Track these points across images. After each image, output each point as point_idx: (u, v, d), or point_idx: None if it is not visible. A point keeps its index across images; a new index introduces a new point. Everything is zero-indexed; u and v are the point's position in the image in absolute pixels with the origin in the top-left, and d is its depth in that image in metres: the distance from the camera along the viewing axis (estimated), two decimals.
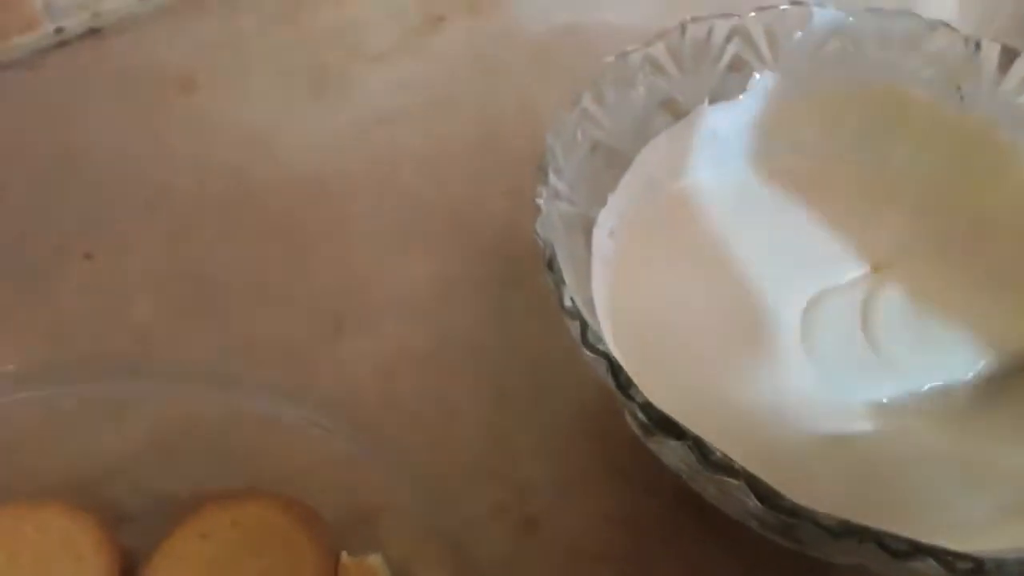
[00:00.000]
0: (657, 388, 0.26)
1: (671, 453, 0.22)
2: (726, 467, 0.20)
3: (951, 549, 0.19)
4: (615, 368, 0.22)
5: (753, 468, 0.23)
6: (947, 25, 0.30)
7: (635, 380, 0.24)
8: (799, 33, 0.31)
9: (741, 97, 0.32)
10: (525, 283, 0.32)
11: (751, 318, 0.30)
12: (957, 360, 0.28)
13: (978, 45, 0.30)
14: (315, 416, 0.27)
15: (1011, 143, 0.30)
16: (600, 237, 0.29)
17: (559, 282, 0.24)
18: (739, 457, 0.24)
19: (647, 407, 0.21)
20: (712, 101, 0.31)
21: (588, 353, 0.22)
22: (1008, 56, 0.30)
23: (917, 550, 0.19)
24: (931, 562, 0.19)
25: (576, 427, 0.29)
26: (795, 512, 0.20)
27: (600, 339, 0.22)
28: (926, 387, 0.27)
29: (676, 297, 0.30)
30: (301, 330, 0.32)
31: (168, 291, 0.33)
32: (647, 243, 0.31)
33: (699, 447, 0.20)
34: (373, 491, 0.26)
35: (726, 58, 0.31)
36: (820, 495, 0.24)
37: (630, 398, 0.21)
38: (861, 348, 0.29)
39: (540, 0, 0.44)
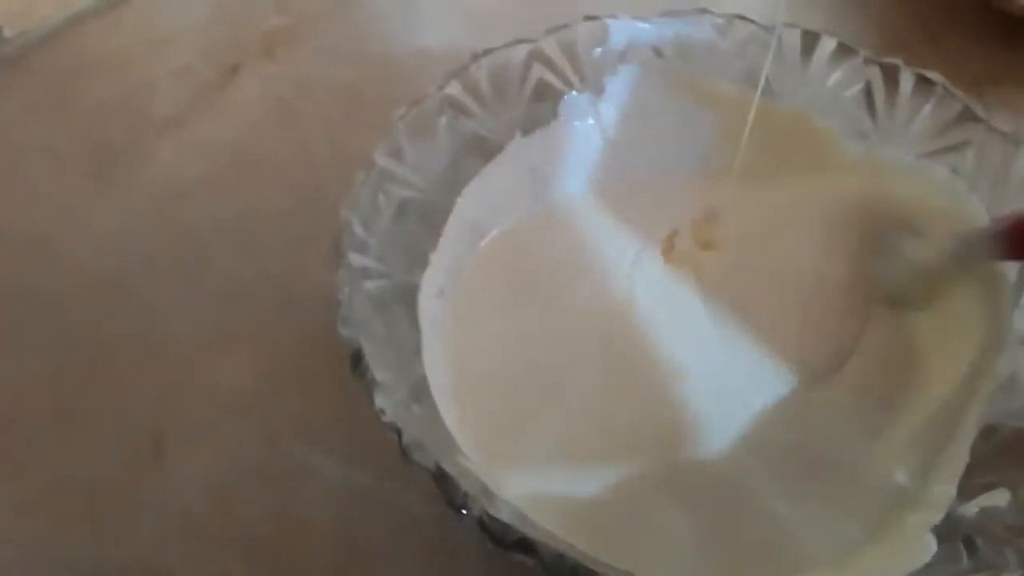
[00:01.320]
0: (507, 458, 0.24)
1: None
2: (578, 572, 0.18)
3: None
4: (442, 483, 0.19)
5: (616, 537, 0.21)
6: (743, 18, 0.29)
7: (480, 457, 0.23)
8: (598, 49, 0.29)
9: (553, 124, 0.30)
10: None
11: (604, 353, 0.28)
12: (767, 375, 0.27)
13: (777, 33, 0.29)
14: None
15: (826, 129, 0.29)
16: (427, 302, 0.27)
17: (371, 385, 0.21)
18: (602, 526, 0.22)
19: (483, 523, 0.19)
20: (525, 133, 0.29)
21: (413, 465, 0.20)
22: (809, 40, 0.29)
23: None
24: None
25: (434, 516, 0.27)
26: None
27: (421, 448, 0.20)
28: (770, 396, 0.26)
29: (522, 345, 0.28)
30: (114, 460, 0.28)
31: None
32: (482, 293, 0.29)
33: (544, 561, 0.18)
34: None
35: (529, 85, 0.29)
36: (687, 552, 0.22)
37: (465, 514, 0.19)
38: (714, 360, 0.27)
39: (340, 36, 0.41)
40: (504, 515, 0.20)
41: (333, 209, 0.33)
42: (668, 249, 0.30)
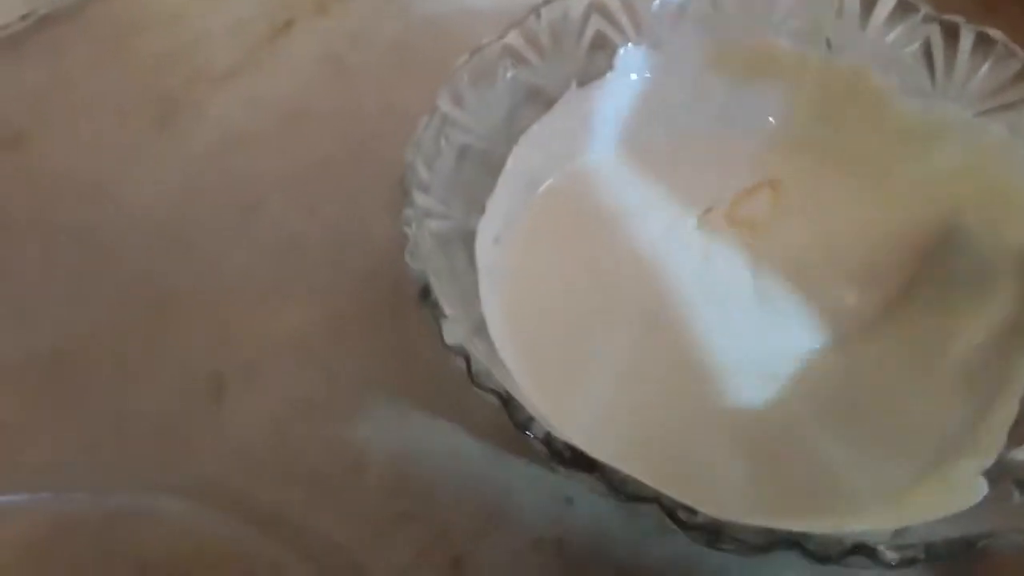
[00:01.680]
0: (563, 401, 0.25)
1: (583, 482, 0.21)
2: (638, 496, 0.19)
3: (877, 546, 0.18)
4: (509, 406, 0.20)
5: (671, 473, 0.22)
6: None
7: (536, 398, 0.23)
8: (657, 1, 0.29)
9: (609, 76, 0.30)
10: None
11: (653, 305, 0.28)
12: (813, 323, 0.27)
13: None
14: (204, 501, 0.24)
15: (882, 87, 0.29)
16: (484, 248, 0.27)
17: (439, 316, 0.22)
18: (657, 463, 0.23)
19: (549, 442, 0.20)
20: (580, 84, 0.30)
21: (479, 391, 0.21)
22: None
23: (845, 552, 0.18)
24: (861, 559, 0.18)
25: (486, 454, 0.27)
26: (715, 529, 0.18)
27: (489, 375, 0.21)
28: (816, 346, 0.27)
29: (574, 294, 0.29)
30: (176, 401, 0.29)
31: (19, 381, 0.29)
32: (536, 243, 0.29)
33: (607, 479, 0.19)
34: (282, 565, 0.24)
35: (587, 37, 0.30)
36: (739, 491, 0.23)
37: (529, 435, 0.20)
38: (758, 316, 0.28)
39: None
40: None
41: (384, 161, 0.34)
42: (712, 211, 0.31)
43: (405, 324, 0.30)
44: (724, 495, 0.23)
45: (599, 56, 0.30)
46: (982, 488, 0.22)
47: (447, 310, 0.22)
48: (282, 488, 0.27)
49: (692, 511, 0.19)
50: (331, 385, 0.29)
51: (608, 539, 0.26)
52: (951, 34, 0.29)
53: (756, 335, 0.28)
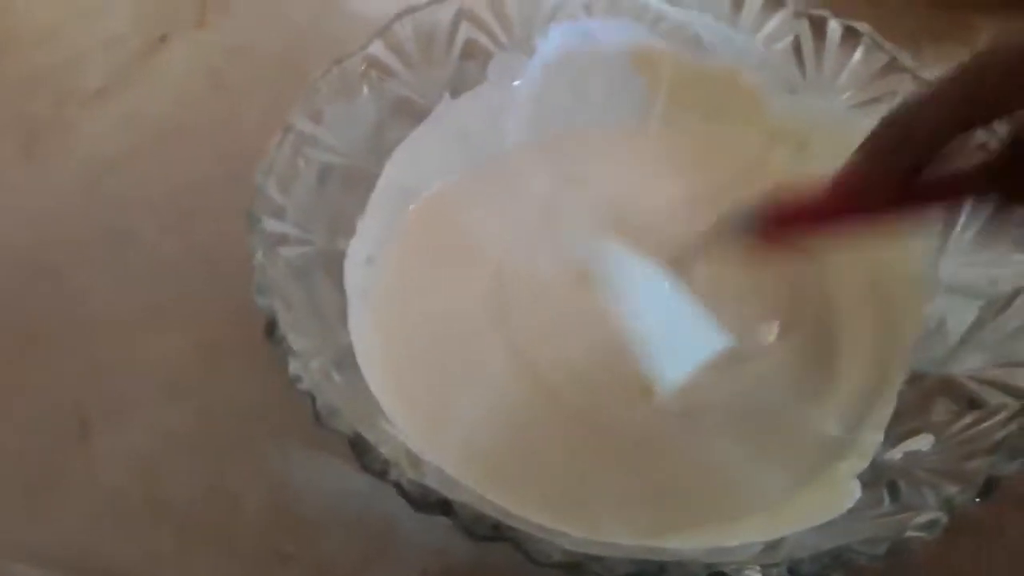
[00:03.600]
0: (435, 425, 0.24)
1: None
2: (493, 537, 0.18)
3: (741, 570, 0.17)
4: (356, 448, 0.19)
5: (545, 495, 0.21)
6: None
7: (406, 423, 0.22)
8: (528, 7, 0.29)
9: (483, 85, 0.29)
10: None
11: (530, 322, 0.28)
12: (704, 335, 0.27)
13: None
14: (64, 560, 0.23)
15: (754, 85, 0.29)
16: (354, 269, 0.26)
17: (287, 352, 0.20)
18: (532, 486, 0.22)
19: (401, 487, 0.19)
20: (454, 95, 0.29)
21: (328, 431, 0.20)
22: None
23: None
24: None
25: (369, 486, 0.26)
26: (575, 564, 0.18)
27: (336, 414, 0.20)
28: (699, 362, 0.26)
29: (449, 313, 0.28)
30: (39, 441, 0.27)
31: None
32: (412, 260, 0.29)
33: (460, 521, 0.18)
34: None
35: (458, 45, 0.29)
36: (619, 509, 0.22)
37: (381, 478, 0.19)
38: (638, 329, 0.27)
39: (271, 3, 0.40)
40: (429, 479, 0.20)
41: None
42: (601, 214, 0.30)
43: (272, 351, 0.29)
44: (601, 514, 0.23)
45: (471, 65, 0.29)
46: (855, 491, 0.22)
47: (297, 345, 0.21)
48: (152, 539, 0.25)
49: (549, 550, 0.18)
50: (205, 420, 0.28)
51: (495, 568, 0.25)
52: (819, 29, 0.28)
53: (648, 341, 0.27)
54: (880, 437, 0.24)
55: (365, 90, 0.27)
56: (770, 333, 0.27)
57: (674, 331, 0.28)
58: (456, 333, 0.27)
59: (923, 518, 0.19)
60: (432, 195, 0.30)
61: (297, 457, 0.27)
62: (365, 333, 0.25)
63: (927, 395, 0.24)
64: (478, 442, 0.25)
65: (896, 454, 0.23)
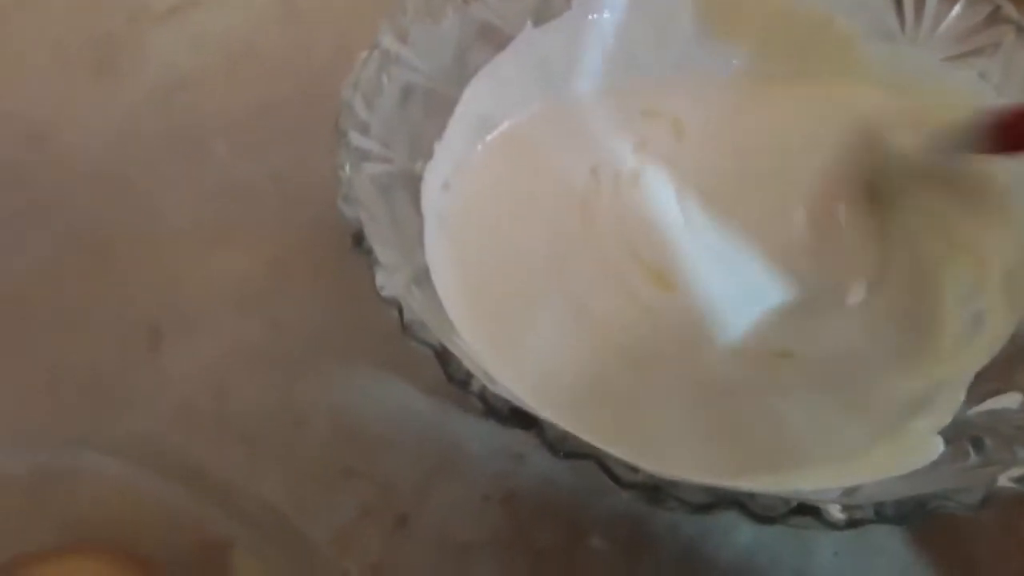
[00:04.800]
0: (508, 351, 0.24)
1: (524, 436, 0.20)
2: (576, 453, 0.18)
3: (823, 506, 0.17)
4: (443, 359, 0.19)
5: (617, 427, 0.21)
6: None
7: (480, 349, 0.22)
8: None
9: (567, 15, 0.28)
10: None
11: (607, 255, 0.27)
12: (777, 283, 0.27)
13: None
14: (137, 460, 0.23)
15: (848, 32, 0.28)
16: (431, 193, 0.26)
17: (373, 263, 0.20)
18: (604, 416, 0.22)
19: (484, 397, 0.19)
20: (537, 23, 0.28)
21: (412, 343, 0.20)
22: None
23: (789, 512, 0.17)
24: (807, 519, 0.17)
25: (433, 408, 0.26)
26: (654, 487, 0.17)
27: (423, 327, 0.19)
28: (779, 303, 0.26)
29: (524, 242, 0.28)
30: (113, 352, 0.27)
31: None
32: (487, 190, 0.28)
33: (544, 435, 0.18)
34: (220, 525, 0.23)
35: None
36: (690, 448, 0.22)
37: (464, 390, 0.19)
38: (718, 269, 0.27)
39: None
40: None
41: (334, 104, 0.33)
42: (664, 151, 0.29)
43: (351, 273, 0.28)
44: (672, 451, 0.23)
45: None
46: (938, 446, 0.21)
47: (383, 258, 0.21)
48: (219, 444, 0.26)
49: (633, 468, 0.18)
50: (273, 336, 0.28)
51: (558, 494, 0.26)
52: None
53: (719, 286, 0.27)
54: (961, 395, 0.23)
55: (450, 12, 0.26)
56: (856, 291, 0.26)
57: (737, 281, 0.27)
58: (521, 271, 0.27)
59: (1015, 472, 0.19)
60: (507, 128, 0.29)
61: (362, 376, 0.27)
62: (439, 257, 0.25)
63: (1011, 357, 0.24)
64: (546, 374, 0.25)
65: (979, 411, 0.22)
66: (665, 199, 0.29)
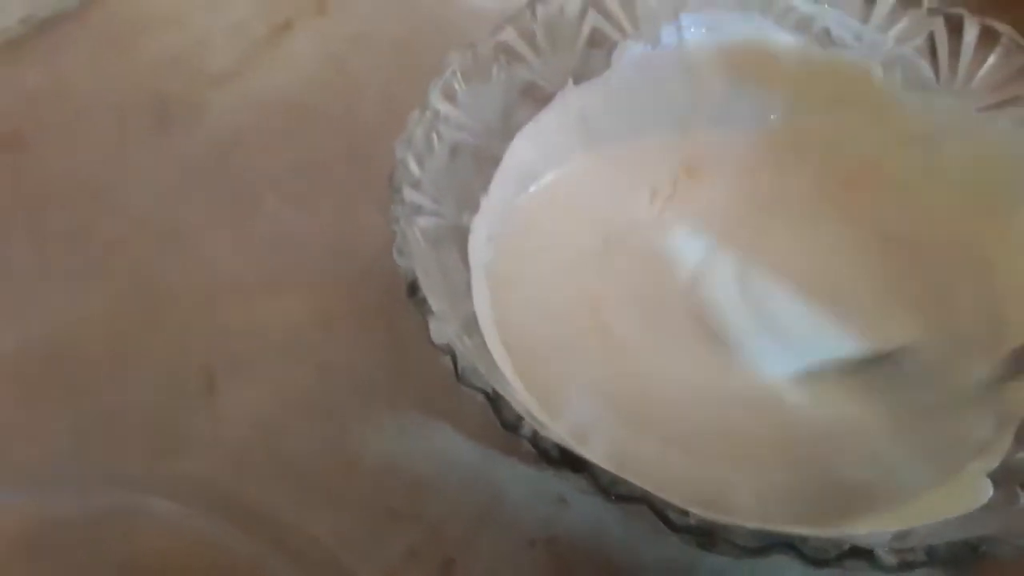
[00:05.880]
0: (552, 399, 0.24)
1: (574, 480, 0.20)
2: (628, 497, 0.18)
3: (875, 549, 0.17)
4: (496, 404, 0.19)
5: (663, 474, 0.21)
6: None
7: (527, 397, 0.23)
8: None
9: (607, 73, 0.30)
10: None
11: (646, 305, 0.28)
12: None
13: None
14: (191, 502, 0.24)
15: (884, 84, 0.29)
16: (477, 245, 0.27)
17: (426, 312, 0.21)
18: (649, 464, 0.22)
19: (536, 441, 0.19)
20: (577, 81, 0.29)
21: (466, 389, 0.20)
22: None
23: (842, 555, 0.17)
24: (859, 562, 0.17)
25: (479, 454, 0.27)
26: (707, 531, 0.18)
27: (476, 373, 0.20)
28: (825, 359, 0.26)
29: (569, 290, 0.28)
30: (167, 396, 0.28)
31: (11, 377, 0.29)
32: (529, 240, 0.29)
33: (596, 479, 0.18)
34: (271, 566, 0.24)
35: (584, 34, 0.29)
36: (739, 497, 0.22)
37: (517, 434, 0.19)
38: (763, 321, 0.27)
39: None
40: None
41: (382, 161, 0.34)
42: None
43: (398, 322, 0.29)
44: (724, 507, 0.23)
45: (596, 53, 0.29)
46: (987, 490, 0.21)
47: (435, 307, 0.21)
48: (271, 487, 0.26)
49: (684, 512, 0.18)
50: (323, 382, 0.29)
51: (603, 539, 0.26)
52: (955, 28, 0.28)
53: (764, 340, 0.27)
54: (1010, 437, 0.23)
55: (495, 73, 0.28)
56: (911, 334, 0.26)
57: (785, 332, 0.27)
58: (562, 320, 0.28)
59: None
60: (549, 180, 0.30)
61: (409, 422, 0.28)
62: (485, 307, 0.26)
63: None
64: (588, 430, 0.25)
65: None
66: (704, 250, 0.29)
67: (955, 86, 0.28)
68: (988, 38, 0.28)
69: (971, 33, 0.28)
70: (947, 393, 0.25)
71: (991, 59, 0.28)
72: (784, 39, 0.30)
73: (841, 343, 0.26)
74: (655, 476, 0.21)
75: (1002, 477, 0.22)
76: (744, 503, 0.23)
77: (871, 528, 0.21)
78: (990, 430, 0.24)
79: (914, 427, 0.24)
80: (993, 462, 0.22)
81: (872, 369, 0.25)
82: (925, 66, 0.28)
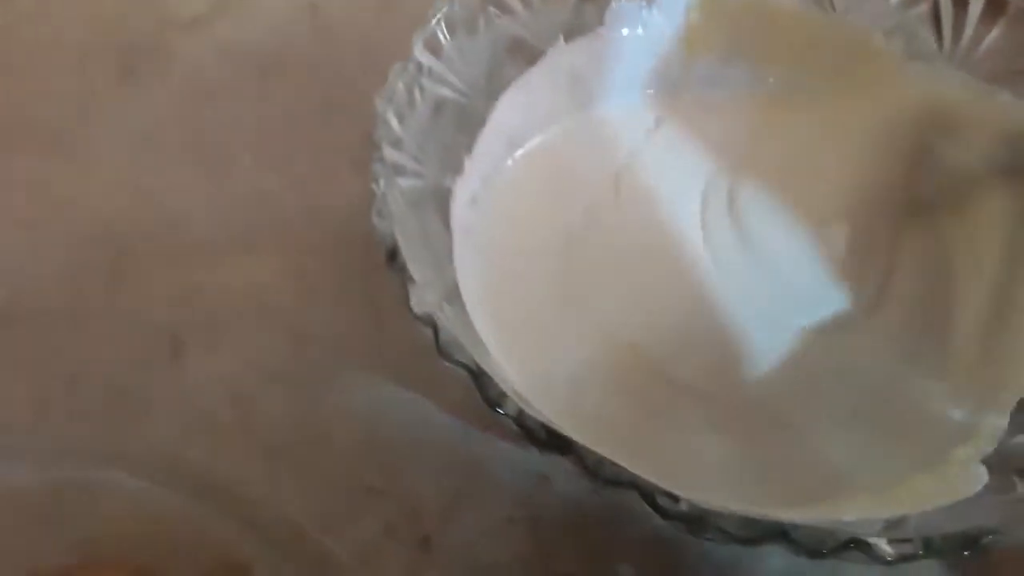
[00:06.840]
0: (537, 372, 0.23)
1: (558, 463, 0.19)
2: (616, 481, 0.17)
3: (872, 540, 0.17)
4: (479, 380, 0.18)
5: (649, 453, 0.20)
6: None
7: (510, 369, 0.22)
8: None
9: (599, 30, 0.28)
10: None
11: (638, 278, 0.27)
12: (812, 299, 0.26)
13: None
14: (157, 476, 0.23)
15: (886, 52, 0.28)
16: (460, 209, 0.26)
17: (407, 281, 0.20)
18: (636, 441, 0.22)
19: (521, 420, 0.18)
20: (568, 38, 0.28)
21: (446, 363, 0.19)
22: None
23: (838, 546, 0.16)
24: (855, 553, 0.17)
25: (459, 428, 0.26)
26: (698, 518, 0.17)
27: (458, 346, 0.19)
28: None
29: (552, 260, 0.27)
30: (132, 363, 0.27)
31: None
32: (515, 205, 0.28)
33: (583, 462, 0.17)
34: (240, 544, 0.23)
35: None
36: (722, 476, 0.22)
37: (501, 411, 0.18)
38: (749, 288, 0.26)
39: None
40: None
41: (361, 115, 0.32)
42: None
43: (376, 287, 0.28)
44: (706, 479, 0.22)
45: (589, 9, 0.28)
46: (981, 476, 0.21)
47: (416, 275, 0.20)
48: (242, 461, 0.25)
49: (673, 498, 0.18)
50: (296, 350, 0.27)
51: (584, 519, 0.25)
52: None
53: (752, 303, 0.27)
54: (1004, 423, 0.23)
55: (482, 26, 0.26)
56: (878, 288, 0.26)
57: (772, 299, 0.27)
58: (554, 284, 0.27)
59: None
60: (537, 143, 0.29)
61: (386, 392, 0.27)
62: (466, 273, 0.25)
63: None
64: (573, 395, 0.24)
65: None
66: (696, 215, 0.28)
67: (957, 56, 0.27)
68: (994, 7, 0.27)
69: (977, 1, 0.27)
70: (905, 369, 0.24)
71: (996, 29, 0.27)
72: (784, 1, 0.28)
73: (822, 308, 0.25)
74: (636, 456, 0.20)
75: (997, 464, 0.21)
76: (721, 486, 0.22)
77: (857, 514, 0.20)
78: (960, 414, 0.24)
79: (871, 409, 0.24)
80: (987, 448, 0.22)
81: (845, 340, 0.25)
82: (929, 35, 0.27)
